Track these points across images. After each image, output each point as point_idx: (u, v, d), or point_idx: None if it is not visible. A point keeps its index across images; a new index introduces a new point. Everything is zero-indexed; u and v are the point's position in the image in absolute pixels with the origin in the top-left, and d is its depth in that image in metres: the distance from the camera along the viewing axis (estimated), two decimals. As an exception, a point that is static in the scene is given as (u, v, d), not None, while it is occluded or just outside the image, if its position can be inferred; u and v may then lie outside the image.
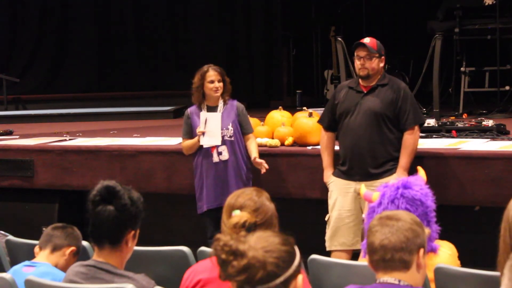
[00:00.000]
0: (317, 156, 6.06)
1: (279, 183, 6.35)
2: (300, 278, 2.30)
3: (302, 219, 6.51)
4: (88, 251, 4.32)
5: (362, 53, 5.62)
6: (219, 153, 5.99)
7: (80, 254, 4.18)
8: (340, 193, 5.67)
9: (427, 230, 2.86)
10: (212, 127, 5.95)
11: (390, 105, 5.59)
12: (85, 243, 4.31)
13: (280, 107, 7.15)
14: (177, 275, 3.46)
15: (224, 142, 5.98)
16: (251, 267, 2.22)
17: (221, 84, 6.00)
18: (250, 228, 3.01)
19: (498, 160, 5.76)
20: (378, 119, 5.58)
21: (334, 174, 5.77)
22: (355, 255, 5.53)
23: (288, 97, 12.19)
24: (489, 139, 6.51)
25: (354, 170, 5.63)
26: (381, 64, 5.67)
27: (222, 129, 5.97)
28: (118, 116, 10.54)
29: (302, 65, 12.77)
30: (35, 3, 12.87)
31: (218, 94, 6.01)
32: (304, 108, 7.14)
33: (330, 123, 5.85)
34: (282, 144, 6.55)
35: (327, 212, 5.78)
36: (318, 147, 6.18)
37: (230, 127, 6.02)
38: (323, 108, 6.21)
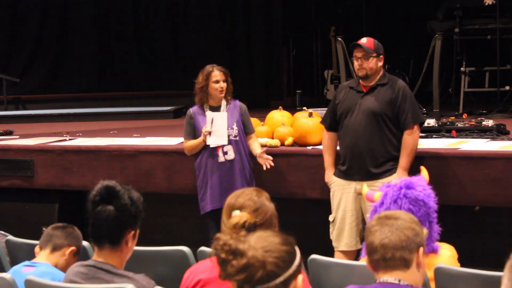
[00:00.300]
0: (317, 156, 6.06)
1: (279, 183, 6.35)
2: (300, 278, 2.30)
3: (302, 219, 6.51)
4: (88, 251, 4.32)
5: (359, 53, 5.62)
6: (225, 153, 5.97)
7: (80, 254, 4.18)
8: (343, 193, 5.67)
9: (425, 230, 2.86)
10: (218, 127, 5.92)
11: (390, 105, 5.58)
12: (85, 243, 4.30)
13: (280, 107, 7.14)
14: (177, 275, 3.46)
15: (229, 141, 5.96)
16: (250, 266, 2.22)
17: (225, 84, 5.99)
18: (250, 228, 3.01)
19: (498, 160, 5.75)
20: (377, 119, 5.58)
21: (335, 174, 5.76)
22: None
23: (288, 97, 12.20)
24: (489, 139, 6.50)
25: (353, 169, 5.63)
26: (380, 63, 5.65)
27: (227, 129, 5.96)
28: (118, 116, 10.54)
29: (302, 65, 12.77)
30: (35, 3, 12.87)
31: (223, 94, 5.99)
32: (304, 108, 7.13)
33: (332, 123, 5.84)
34: (282, 144, 6.55)
35: (327, 212, 5.77)
36: (318, 147, 6.18)
37: (234, 126, 6.00)
38: (323, 108, 6.21)
